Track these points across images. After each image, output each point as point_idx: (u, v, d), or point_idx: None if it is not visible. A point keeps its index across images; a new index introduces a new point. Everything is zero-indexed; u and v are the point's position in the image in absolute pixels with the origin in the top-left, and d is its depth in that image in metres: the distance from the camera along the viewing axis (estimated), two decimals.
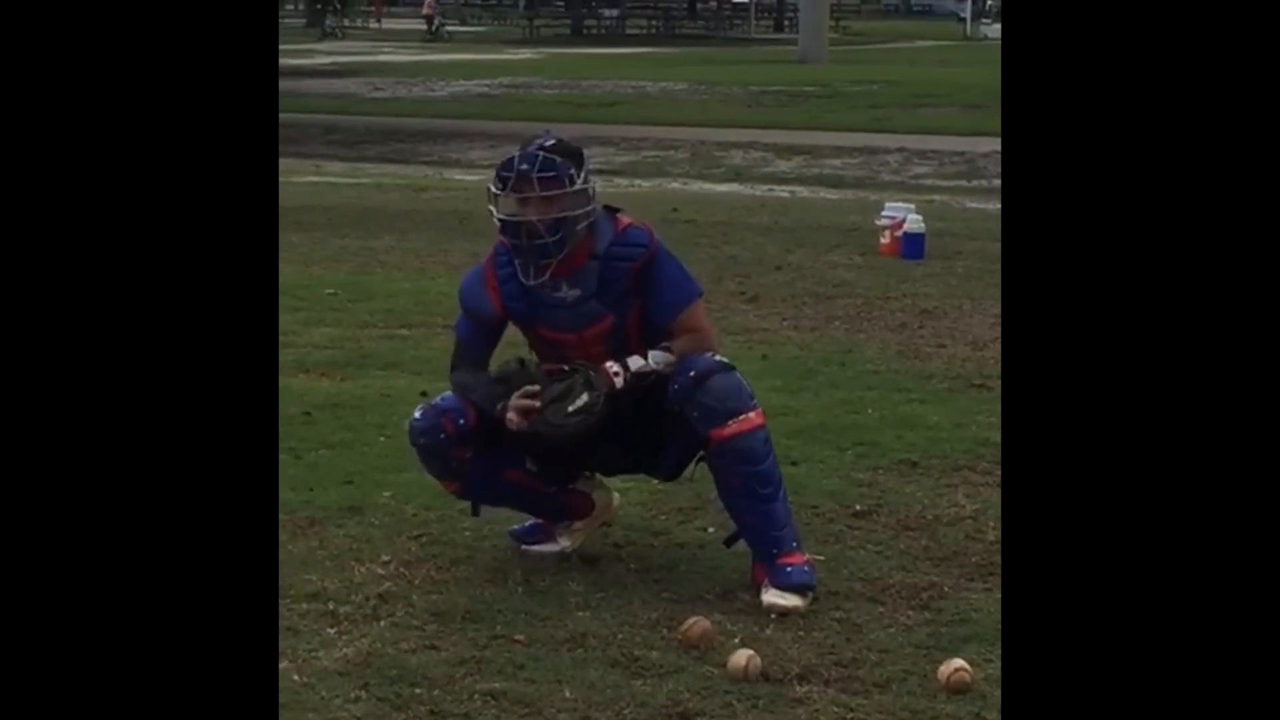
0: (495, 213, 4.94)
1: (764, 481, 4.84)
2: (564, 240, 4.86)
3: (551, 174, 4.85)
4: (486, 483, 5.07)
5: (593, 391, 4.84)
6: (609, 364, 4.89)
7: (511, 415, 4.86)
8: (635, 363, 4.90)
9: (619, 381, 4.87)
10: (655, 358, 4.89)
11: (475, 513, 5.18)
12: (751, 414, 4.82)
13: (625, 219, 5.00)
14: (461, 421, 4.93)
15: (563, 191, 4.86)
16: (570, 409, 4.83)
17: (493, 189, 4.93)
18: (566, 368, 4.91)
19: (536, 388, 4.87)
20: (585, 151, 5.12)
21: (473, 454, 4.97)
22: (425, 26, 55.88)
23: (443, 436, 4.94)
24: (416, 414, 5.01)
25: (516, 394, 4.88)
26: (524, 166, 4.86)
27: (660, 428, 4.93)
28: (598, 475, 5.27)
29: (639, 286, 4.93)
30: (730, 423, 4.79)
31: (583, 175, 4.94)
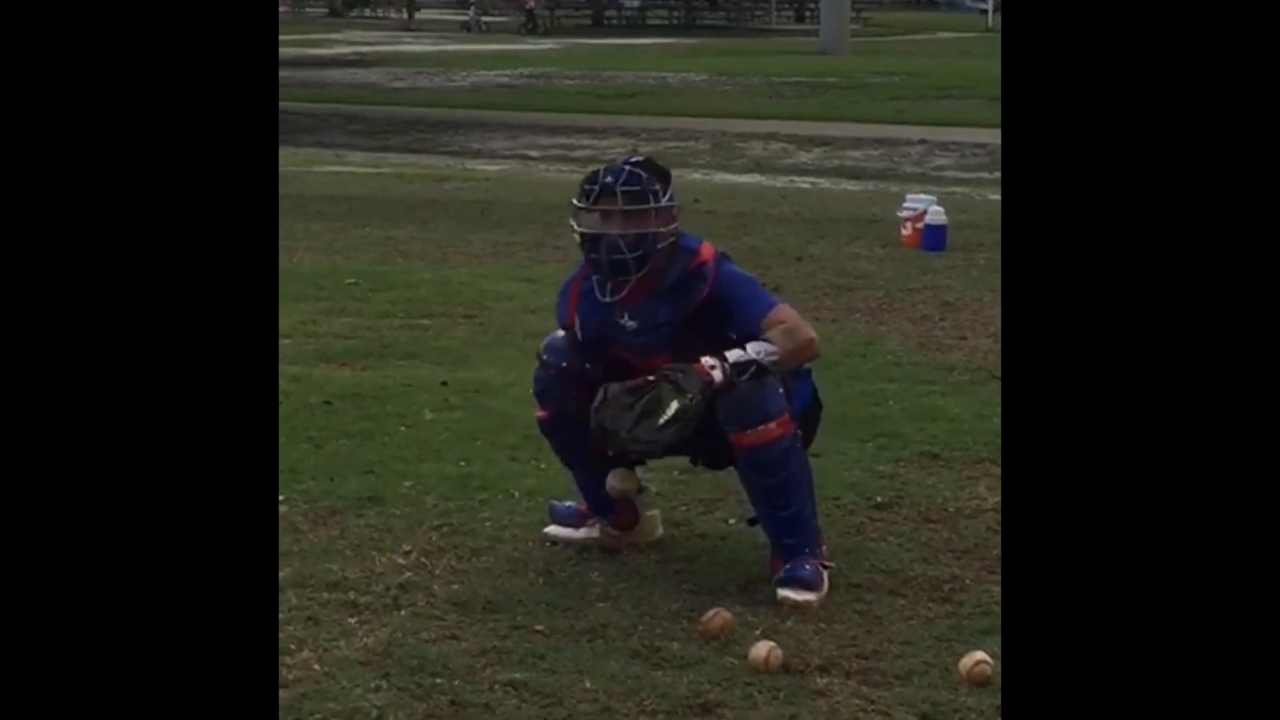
0: (576, 227, 4.87)
1: (778, 493, 4.79)
2: (644, 258, 4.79)
3: (636, 188, 4.79)
4: (573, 429, 4.98)
5: (682, 395, 4.68)
6: (705, 359, 4.70)
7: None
8: (734, 354, 4.70)
9: (717, 375, 4.68)
10: (754, 348, 4.69)
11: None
12: (772, 424, 4.73)
13: (704, 254, 4.85)
14: (588, 366, 4.92)
15: (646, 207, 4.79)
16: (662, 421, 4.68)
17: (575, 202, 4.87)
18: (650, 378, 4.74)
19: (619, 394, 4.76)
20: (671, 171, 5.03)
21: (578, 396, 4.90)
22: (524, 20, 56.38)
23: (565, 364, 4.94)
24: (559, 333, 5.03)
25: (596, 410, 4.78)
26: (608, 180, 4.81)
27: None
28: (654, 501, 5.27)
29: (702, 320, 4.80)
30: (748, 432, 4.75)
31: (668, 194, 4.85)
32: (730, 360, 4.69)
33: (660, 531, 5.29)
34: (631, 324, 4.89)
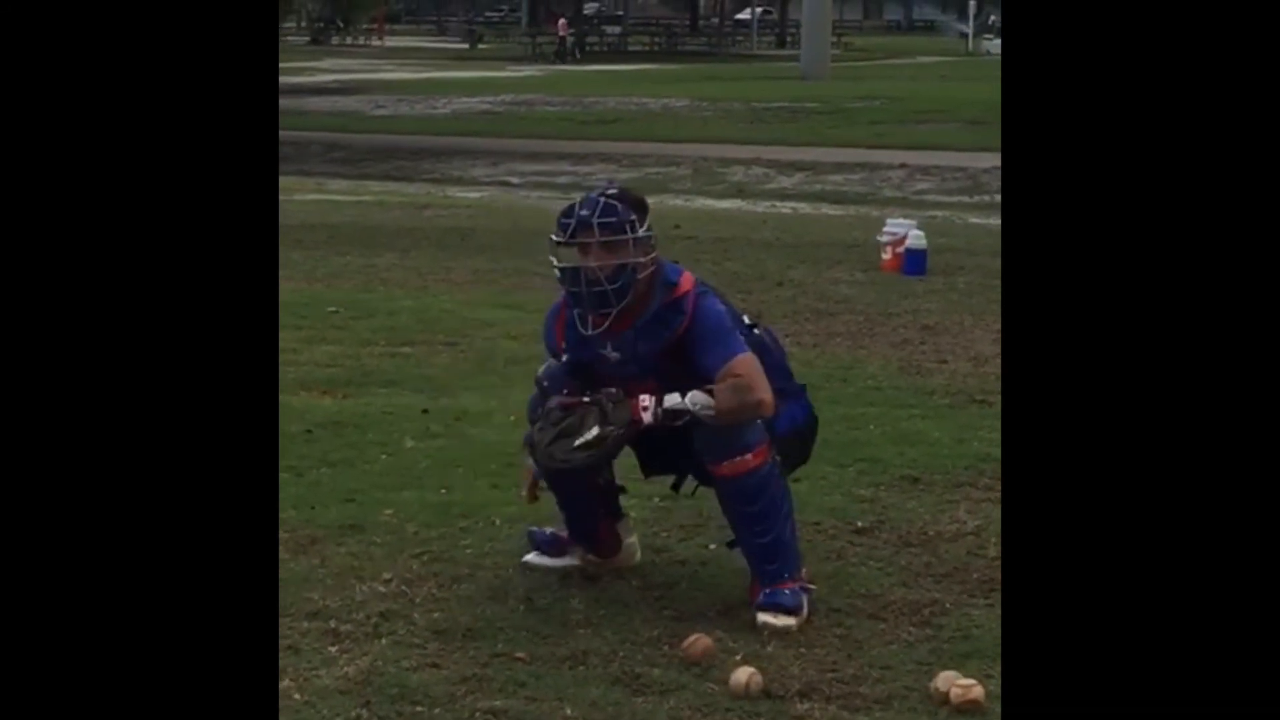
0: (555, 262, 4.87)
1: (756, 520, 4.80)
2: (624, 289, 4.78)
3: (613, 220, 4.77)
4: (562, 471, 4.97)
5: (605, 425, 4.76)
6: (642, 397, 4.78)
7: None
8: (671, 399, 4.74)
9: (647, 416, 4.76)
10: (693, 398, 4.72)
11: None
12: (749, 455, 4.74)
13: (684, 286, 4.85)
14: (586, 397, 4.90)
15: (624, 239, 4.78)
16: (577, 443, 4.77)
17: (553, 237, 4.86)
18: (587, 398, 4.81)
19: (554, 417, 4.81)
20: (649, 201, 5.02)
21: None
22: (558, 46, 56.68)
23: (565, 390, 4.91)
24: (552, 361, 5.00)
25: (534, 428, 4.86)
26: (584, 213, 4.79)
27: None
28: (633, 527, 5.29)
29: (681, 352, 4.81)
30: (724, 462, 4.76)
31: (646, 225, 4.84)
32: (665, 405, 4.74)
33: (639, 556, 5.29)
34: (615, 354, 4.89)
